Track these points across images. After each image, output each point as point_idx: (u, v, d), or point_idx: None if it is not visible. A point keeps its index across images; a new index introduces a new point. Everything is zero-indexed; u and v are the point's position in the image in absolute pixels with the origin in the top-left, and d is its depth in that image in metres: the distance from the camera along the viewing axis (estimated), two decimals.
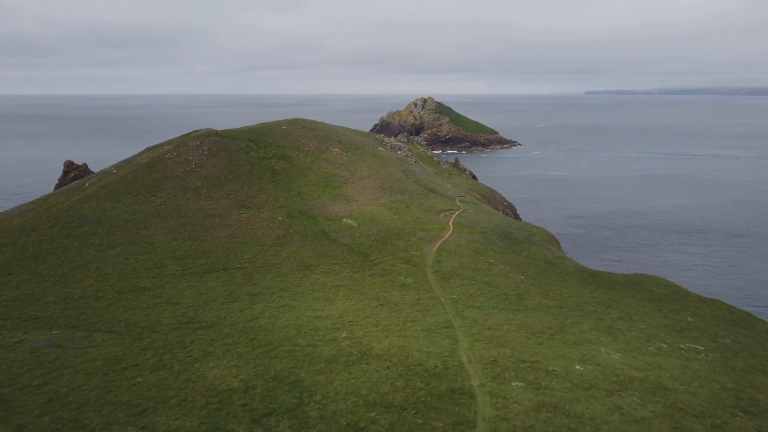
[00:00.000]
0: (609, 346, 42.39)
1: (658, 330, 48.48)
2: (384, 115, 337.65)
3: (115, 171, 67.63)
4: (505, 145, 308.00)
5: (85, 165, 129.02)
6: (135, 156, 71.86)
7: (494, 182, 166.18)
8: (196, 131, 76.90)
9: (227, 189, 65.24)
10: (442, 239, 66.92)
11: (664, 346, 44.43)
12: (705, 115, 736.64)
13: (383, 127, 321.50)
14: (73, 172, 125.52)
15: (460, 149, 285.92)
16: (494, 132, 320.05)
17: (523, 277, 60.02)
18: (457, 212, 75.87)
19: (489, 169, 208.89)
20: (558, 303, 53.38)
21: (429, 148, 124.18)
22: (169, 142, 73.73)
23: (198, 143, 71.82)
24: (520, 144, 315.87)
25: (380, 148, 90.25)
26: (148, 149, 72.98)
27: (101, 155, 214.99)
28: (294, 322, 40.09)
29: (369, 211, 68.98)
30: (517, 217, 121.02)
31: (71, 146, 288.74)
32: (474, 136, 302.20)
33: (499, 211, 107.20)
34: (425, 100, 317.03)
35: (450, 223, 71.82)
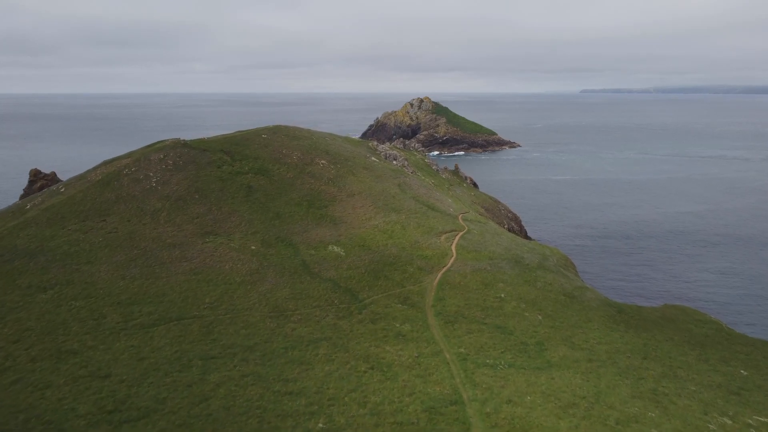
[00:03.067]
0: (662, 426, 33.19)
1: (712, 393, 39.35)
2: (380, 115, 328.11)
3: (63, 189, 58.01)
4: (504, 146, 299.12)
5: (53, 174, 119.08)
6: (89, 171, 62.20)
7: (496, 189, 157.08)
8: (160, 141, 67.15)
9: (192, 212, 55.66)
10: (445, 268, 57.62)
11: (728, 421, 35.25)
12: (702, 113, 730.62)
13: (378, 128, 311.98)
14: (39, 181, 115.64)
15: (457, 150, 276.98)
16: (493, 133, 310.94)
17: (540, 317, 50.83)
18: (460, 233, 66.58)
19: (489, 173, 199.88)
20: (586, 354, 44.21)
21: (426, 154, 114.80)
22: (129, 154, 64.04)
23: (161, 156, 62.14)
24: (519, 145, 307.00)
25: (373, 159, 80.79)
26: (105, 163, 63.31)
27: (86, 158, 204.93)
28: (256, 404, 30.69)
29: (359, 235, 59.58)
30: (522, 229, 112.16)
31: (58, 148, 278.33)
32: (472, 137, 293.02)
33: (504, 226, 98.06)
34: (422, 100, 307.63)
35: (453, 247, 62.52)
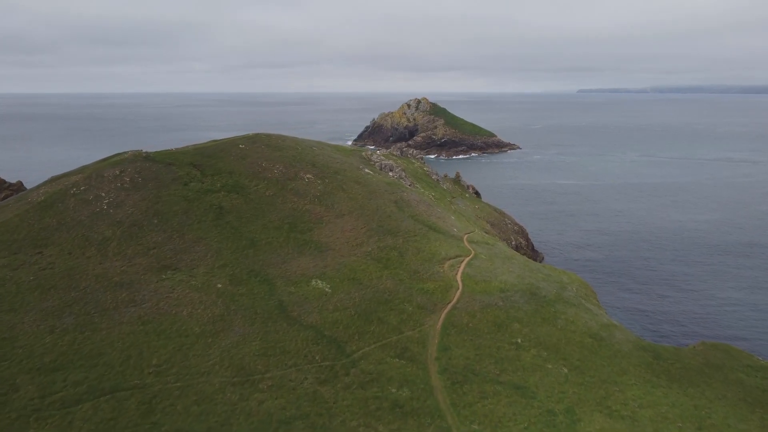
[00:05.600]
0: None
1: None
2: (376, 116, 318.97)
3: None
4: (503, 149, 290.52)
5: (19, 183, 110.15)
6: (31, 190, 53.18)
7: (499, 197, 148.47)
8: (119, 154, 58.05)
9: (148, 241, 46.67)
10: (450, 305, 48.87)
11: None
12: (702, 113, 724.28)
13: (375, 129, 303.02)
14: (3, 191, 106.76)
15: (456, 153, 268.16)
16: (492, 134, 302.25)
17: (566, 370, 42.18)
18: (466, 259, 57.85)
19: (491, 178, 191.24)
20: (628, 426, 35.60)
21: (425, 162, 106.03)
22: (81, 170, 54.96)
23: (117, 172, 53.08)
24: (518, 147, 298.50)
25: (366, 170, 71.85)
26: (53, 179, 54.31)
27: (73, 162, 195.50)
28: None
29: (349, 265, 50.74)
30: (529, 242, 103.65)
31: (42, 151, 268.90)
32: (471, 139, 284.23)
33: (512, 242, 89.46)
34: (419, 101, 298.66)
35: (458, 277, 53.77)
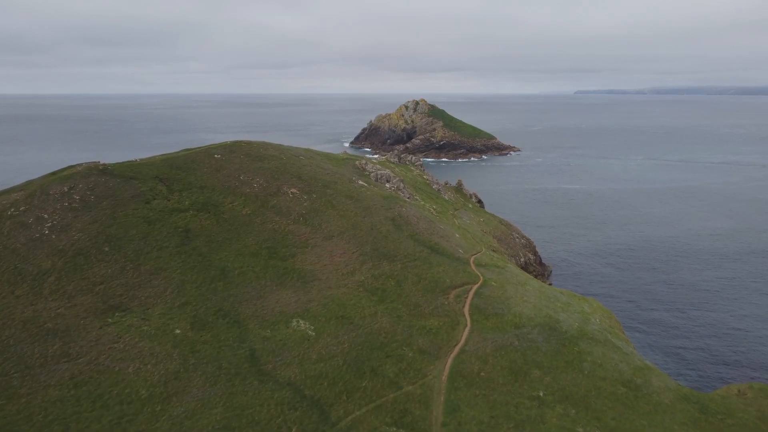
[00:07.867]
0: None
1: None
2: (373, 118, 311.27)
3: None
4: (504, 151, 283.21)
5: None
6: None
7: (503, 204, 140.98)
8: (70, 167, 50.11)
9: (95, 274, 38.89)
10: (457, 347, 41.25)
11: None
12: (702, 114, 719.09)
13: (372, 131, 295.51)
14: None
15: (456, 156, 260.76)
16: (491, 137, 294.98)
17: None
18: (474, 287, 50.18)
19: (493, 182, 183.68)
20: None
21: (424, 169, 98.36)
22: (24, 185, 47.05)
23: (65, 189, 45.28)
24: (519, 149, 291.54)
25: (360, 182, 64.10)
26: None
27: (57, 165, 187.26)
28: None
29: (338, 298, 43.04)
30: (537, 256, 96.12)
31: (30, 153, 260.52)
32: (470, 142, 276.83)
33: (521, 259, 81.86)
34: (417, 103, 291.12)
35: (466, 310, 46.14)
